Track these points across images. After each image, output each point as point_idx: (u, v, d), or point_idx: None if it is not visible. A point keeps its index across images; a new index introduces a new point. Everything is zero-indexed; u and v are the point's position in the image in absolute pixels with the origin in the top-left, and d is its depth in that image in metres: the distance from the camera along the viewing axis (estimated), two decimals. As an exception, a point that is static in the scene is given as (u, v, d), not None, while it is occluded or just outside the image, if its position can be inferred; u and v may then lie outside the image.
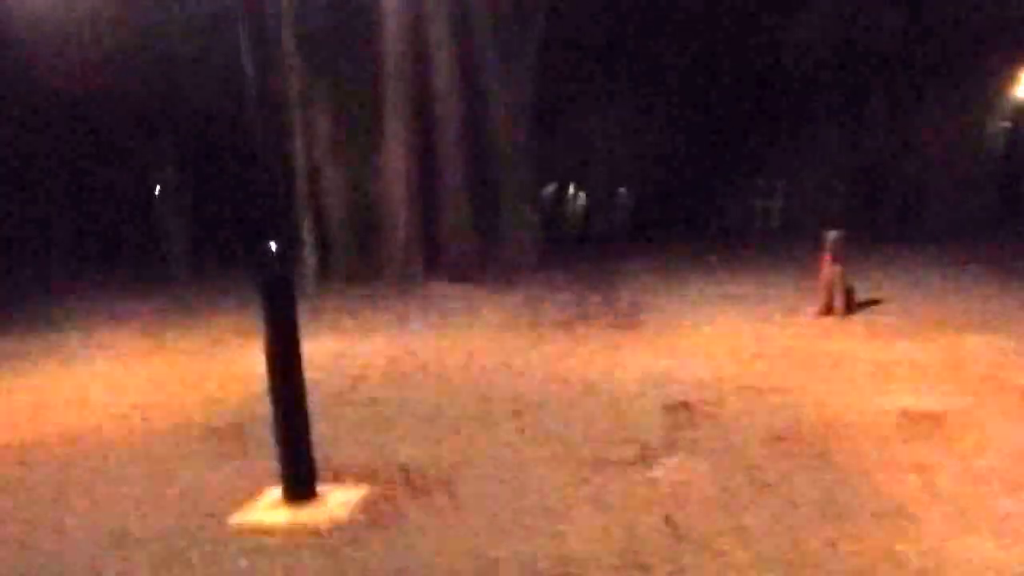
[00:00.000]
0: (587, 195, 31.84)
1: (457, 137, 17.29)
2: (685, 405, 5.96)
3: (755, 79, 29.33)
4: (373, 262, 15.94)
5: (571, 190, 39.45)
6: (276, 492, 4.50)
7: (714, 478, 4.47)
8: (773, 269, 14.19)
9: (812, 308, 9.64)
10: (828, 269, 9.48)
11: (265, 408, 4.50)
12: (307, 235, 15.42)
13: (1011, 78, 23.90)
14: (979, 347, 7.39)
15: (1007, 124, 30.86)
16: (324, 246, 16.64)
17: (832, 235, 9.51)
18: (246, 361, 7.94)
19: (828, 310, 9.46)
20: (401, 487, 4.64)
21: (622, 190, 47.31)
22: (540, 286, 14.12)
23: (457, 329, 10.19)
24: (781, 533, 3.73)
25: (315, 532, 4.10)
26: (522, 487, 4.52)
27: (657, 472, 4.63)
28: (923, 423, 5.23)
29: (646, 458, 4.86)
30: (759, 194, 45.16)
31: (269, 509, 4.44)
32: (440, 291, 14.24)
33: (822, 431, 5.20)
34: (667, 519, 3.98)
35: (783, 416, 5.56)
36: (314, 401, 4.60)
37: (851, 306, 9.48)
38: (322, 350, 8.54)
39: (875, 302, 10.08)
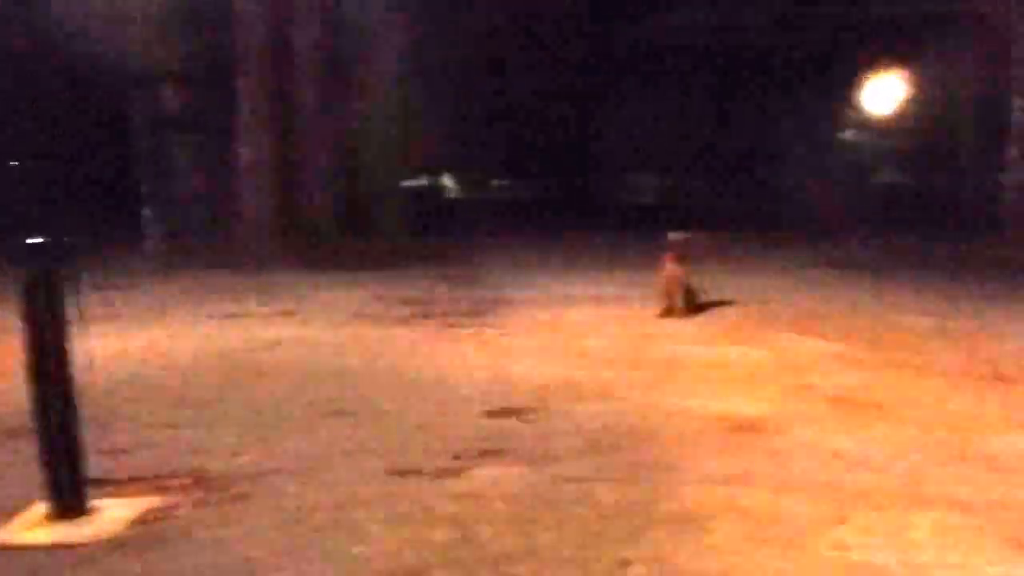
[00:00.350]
0: (458, 186, 31.62)
1: (319, 127, 16.80)
2: (510, 411, 5.78)
3: (631, 72, 29.76)
4: (230, 249, 15.31)
5: (446, 181, 39.24)
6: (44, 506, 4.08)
7: (521, 491, 4.28)
8: (631, 266, 14.28)
9: (656, 309, 9.68)
10: (670, 270, 9.53)
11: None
12: (150, 221, 14.68)
13: (859, 88, 24.90)
14: (810, 350, 7.52)
15: (855, 132, 32.36)
16: (179, 232, 15.98)
17: (675, 236, 9.55)
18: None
19: (670, 311, 9.51)
20: (190, 498, 4.28)
21: (495, 182, 47.50)
22: (399, 278, 13.81)
23: (301, 320, 9.80)
24: (574, 553, 3.57)
25: (79, 549, 3.71)
26: (321, 500, 4.23)
27: (464, 484, 4.42)
28: (741, 431, 5.21)
29: (457, 469, 4.65)
30: (630, 188, 46.13)
31: (32, 526, 4.01)
32: (296, 279, 13.76)
33: (641, 439, 5.10)
34: (463, 537, 3.76)
35: (605, 423, 5.45)
36: (107, 402, 4.19)
37: (694, 307, 9.55)
38: (138, 343, 8.01)
39: (720, 303, 10.20)
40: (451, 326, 9.26)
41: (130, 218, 16.67)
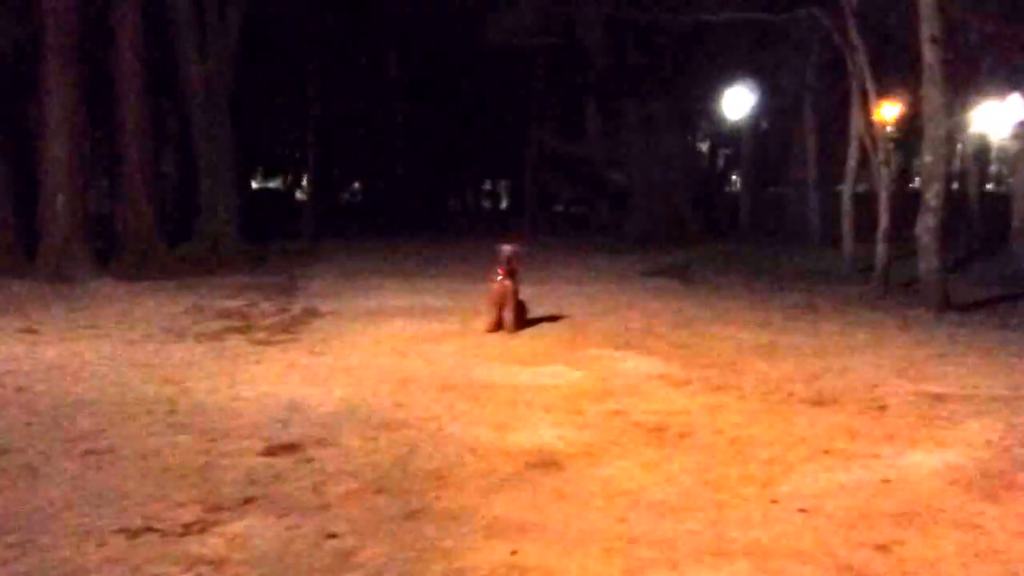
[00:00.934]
0: (309, 190, 30.42)
1: (138, 124, 15.57)
2: (292, 446, 5.12)
3: (478, 83, 29.45)
4: (32, 257, 13.92)
5: (301, 184, 37.92)
6: None
7: (272, 552, 3.65)
8: (473, 275, 13.81)
9: (482, 324, 9.21)
10: (499, 284, 9.06)
11: None
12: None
13: (712, 101, 25.28)
14: (632, 370, 7.17)
15: (706, 144, 33.07)
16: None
17: (505, 249, 9.10)
18: None
19: (497, 326, 9.05)
20: None
21: (355, 185, 46.33)
22: (219, 288, 12.86)
23: (92, 336, 8.82)
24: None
25: None
26: (32, 568, 3.48)
27: (208, 545, 3.74)
28: (542, 467, 4.72)
29: (206, 524, 3.96)
30: (485, 194, 45.90)
31: None
32: (102, 290, 12.61)
33: (429, 479, 4.55)
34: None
35: (395, 458, 4.87)
36: None
37: (521, 322, 9.11)
38: None
39: (549, 318, 9.82)
40: (261, 343, 8.50)
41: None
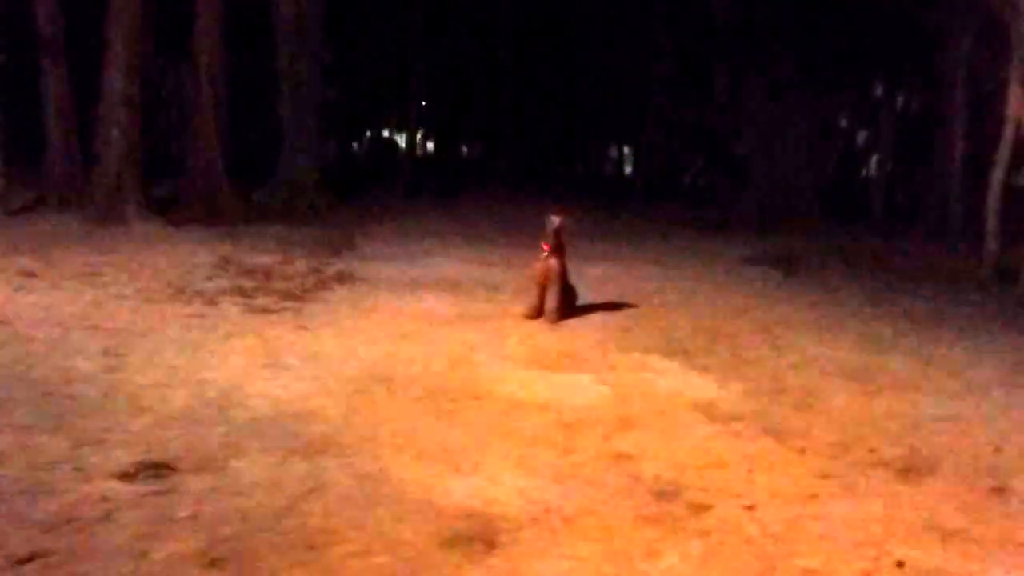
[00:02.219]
0: (407, 143, 29.45)
1: (212, 58, 14.69)
2: (163, 467, 3.84)
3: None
4: (87, 194, 13.27)
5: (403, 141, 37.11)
6: None
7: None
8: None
9: (523, 307, 7.76)
10: (542, 263, 7.57)
11: None
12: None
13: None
14: (671, 392, 5.56)
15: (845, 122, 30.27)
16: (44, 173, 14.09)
17: (553, 220, 7.59)
18: None
19: (537, 312, 7.58)
20: None
21: (476, 142, 45.28)
22: (266, 240, 11.88)
23: (86, 285, 8.04)
24: None
25: None
26: None
27: None
28: (461, 546, 3.27)
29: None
30: (611, 160, 44.07)
31: None
32: (144, 234, 11.80)
33: (301, 548, 3.18)
34: None
35: (278, 508, 3.52)
36: None
37: (563, 310, 7.58)
38: None
39: (605, 306, 8.28)
40: (255, 312, 7.31)
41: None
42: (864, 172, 29.37)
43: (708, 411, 5.13)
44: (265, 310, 7.36)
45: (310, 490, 3.69)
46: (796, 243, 15.22)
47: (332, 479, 3.82)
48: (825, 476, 4.19)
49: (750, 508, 3.76)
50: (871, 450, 4.59)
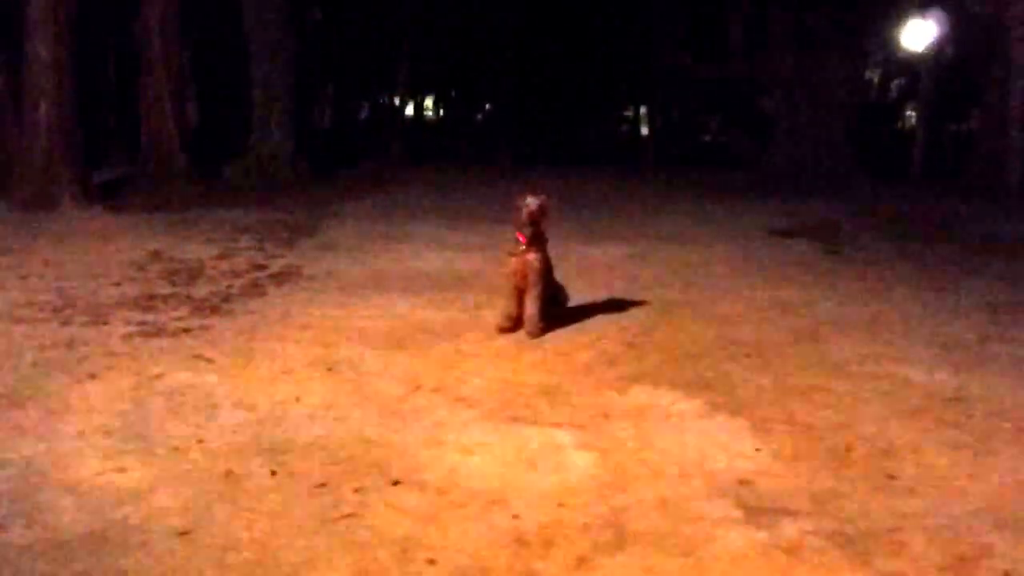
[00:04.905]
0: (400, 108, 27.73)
1: (163, 19, 12.98)
2: None
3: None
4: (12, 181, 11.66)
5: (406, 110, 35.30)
6: None
7: None
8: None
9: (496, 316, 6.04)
10: (517, 259, 5.83)
11: None
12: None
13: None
14: (687, 463, 3.82)
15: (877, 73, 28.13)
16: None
17: (529, 202, 5.82)
18: None
19: (513, 323, 5.86)
20: None
21: (487, 106, 43.28)
22: (212, 227, 10.25)
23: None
24: None
25: None
26: None
27: None
28: None
29: None
30: (625, 121, 42.01)
31: None
32: (74, 223, 10.31)
33: None
34: None
35: None
36: None
37: (545, 320, 5.85)
38: None
39: (604, 307, 6.55)
40: (152, 334, 5.64)
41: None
42: (899, 125, 27.29)
43: (742, 498, 3.39)
44: (160, 332, 5.68)
45: None
46: (832, 209, 13.37)
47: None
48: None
49: None
50: (1006, 574, 2.84)
